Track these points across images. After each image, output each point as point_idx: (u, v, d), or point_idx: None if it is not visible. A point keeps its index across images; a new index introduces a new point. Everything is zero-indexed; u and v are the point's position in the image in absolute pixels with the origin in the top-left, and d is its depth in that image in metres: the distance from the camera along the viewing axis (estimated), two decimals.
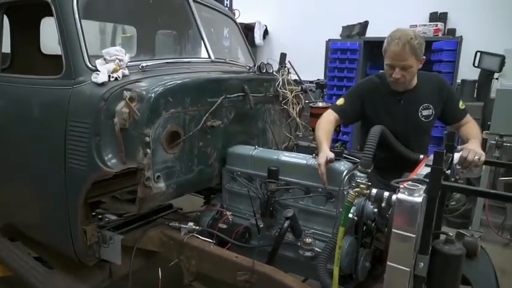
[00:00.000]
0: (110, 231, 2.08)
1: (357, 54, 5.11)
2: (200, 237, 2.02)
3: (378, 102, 2.28)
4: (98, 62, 1.90)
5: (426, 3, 4.98)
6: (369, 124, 2.08)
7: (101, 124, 1.75)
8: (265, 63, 2.51)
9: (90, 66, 1.90)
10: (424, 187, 1.35)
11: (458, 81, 4.40)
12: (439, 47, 4.44)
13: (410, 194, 1.32)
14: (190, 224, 2.06)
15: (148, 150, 1.74)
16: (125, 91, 1.76)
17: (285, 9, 6.37)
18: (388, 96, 2.26)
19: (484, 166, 2.03)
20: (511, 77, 3.80)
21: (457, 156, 1.84)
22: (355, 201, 1.59)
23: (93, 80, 1.84)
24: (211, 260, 1.94)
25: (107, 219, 2.25)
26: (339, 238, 1.49)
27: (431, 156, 1.84)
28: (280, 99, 2.59)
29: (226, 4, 5.95)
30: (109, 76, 1.85)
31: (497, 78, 3.94)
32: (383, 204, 1.43)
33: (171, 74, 2.03)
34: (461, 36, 4.43)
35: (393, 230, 1.35)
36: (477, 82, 4.27)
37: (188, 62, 2.39)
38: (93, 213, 2.23)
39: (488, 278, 1.82)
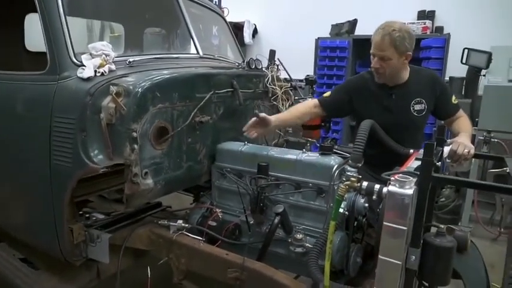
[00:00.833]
0: (98, 230, 2.03)
1: (346, 52, 5.13)
2: (190, 235, 1.99)
3: (369, 97, 2.27)
4: (84, 57, 1.86)
5: (414, 2, 5.02)
6: (361, 120, 2.05)
7: (87, 119, 1.72)
8: (254, 59, 2.49)
9: (75, 61, 1.86)
10: (414, 179, 1.34)
11: (447, 78, 4.43)
12: (427, 44, 4.48)
13: (401, 186, 1.30)
14: (180, 221, 2.02)
15: (135, 146, 1.71)
16: (111, 86, 1.72)
17: (274, 8, 6.36)
18: (380, 91, 2.25)
19: (473, 160, 2.03)
20: (498, 73, 3.84)
21: (446, 149, 1.84)
22: (346, 195, 1.58)
23: (78, 75, 1.81)
24: (201, 257, 1.91)
25: (94, 218, 2.21)
26: (330, 232, 1.47)
27: (421, 151, 1.86)
28: (270, 95, 2.57)
29: (215, 2, 5.92)
30: (95, 71, 1.81)
31: (484, 75, 3.97)
32: (374, 197, 1.42)
33: (159, 69, 2.00)
34: (449, 33, 4.48)
35: (384, 223, 1.34)
36: (465, 79, 4.31)
37: (176, 57, 2.36)
38: (80, 212, 2.19)
39: (478, 272, 1.81)
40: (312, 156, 1.95)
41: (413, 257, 1.38)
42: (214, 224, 2.06)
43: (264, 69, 2.58)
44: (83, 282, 2.07)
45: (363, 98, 2.28)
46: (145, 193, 1.83)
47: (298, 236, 1.85)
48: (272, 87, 2.54)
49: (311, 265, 1.57)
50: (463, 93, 4.34)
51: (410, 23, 4.70)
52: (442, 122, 2.40)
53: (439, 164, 1.65)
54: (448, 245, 1.40)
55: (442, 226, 1.44)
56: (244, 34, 6.37)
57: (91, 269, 2.10)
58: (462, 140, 1.94)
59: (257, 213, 1.95)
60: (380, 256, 1.36)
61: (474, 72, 4.07)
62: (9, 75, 2.11)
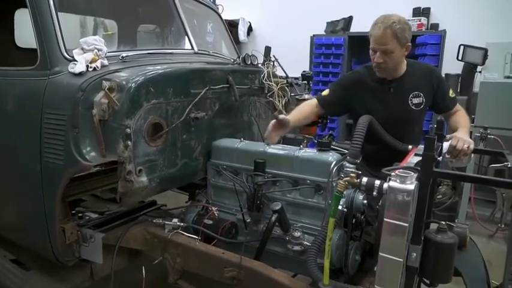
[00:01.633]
0: (91, 229, 1.99)
1: (342, 49, 5.11)
2: (185, 234, 1.95)
3: (366, 92, 2.25)
4: (75, 52, 1.83)
5: None
6: (359, 116, 2.02)
7: (79, 116, 1.68)
8: (250, 54, 2.45)
9: (66, 56, 1.82)
10: (415, 175, 1.31)
11: (443, 75, 4.42)
12: (423, 41, 4.46)
13: (402, 181, 1.28)
14: (175, 220, 1.99)
15: (129, 143, 1.67)
16: (103, 81, 1.69)
17: (269, 6, 6.33)
18: (377, 85, 2.23)
19: (472, 156, 2.01)
20: (493, 70, 3.85)
21: (446, 145, 1.82)
22: (344, 192, 1.54)
23: (70, 70, 1.77)
24: (197, 257, 1.88)
25: (87, 217, 2.17)
26: (329, 230, 1.44)
27: (420, 146, 1.84)
28: (266, 91, 2.54)
29: None
30: (87, 66, 1.78)
31: (480, 72, 3.97)
32: (374, 193, 1.39)
33: (153, 64, 1.96)
34: (444, 30, 4.47)
35: (385, 219, 1.31)
36: (461, 76, 4.30)
37: (171, 53, 2.32)
38: (73, 212, 2.15)
39: (478, 269, 1.80)
40: (309, 152, 1.91)
41: (414, 254, 1.35)
42: (210, 222, 2.02)
43: (259, 65, 2.54)
44: (75, 283, 2.03)
45: (360, 93, 2.26)
46: (139, 191, 1.79)
47: (296, 234, 1.82)
48: (268, 84, 2.51)
49: (310, 263, 1.54)
50: (458, 90, 4.34)
51: None
52: (439, 116, 2.39)
53: (439, 158, 1.63)
54: (450, 241, 1.38)
55: (443, 222, 1.41)
56: (239, 32, 6.33)
57: (84, 270, 2.06)
58: (461, 135, 1.92)
59: (254, 211, 1.91)
60: (380, 253, 1.33)
61: (470, 69, 4.08)
62: None
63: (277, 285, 1.66)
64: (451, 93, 2.26)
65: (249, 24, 6.51)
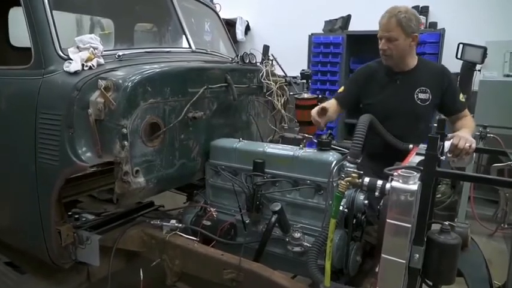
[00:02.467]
0: (87, 231, 1.97)
1: (340, 48, 5.09)
2: (183, 235, 1.93)
3: (375, 84, 2.32)
4: (71, 50, 1.80)
5: None
6: (364, 107, 2.30)
7: (74, 115, 1.65)
8: (248, 53, 2.43)
9: (61, 54, 1.80)
10: (418, 174, 1.29)
11: None
12: (422, 39, 4.43)
13: (405, 181, 1.25)
14: (173, 221, 1.96)
15: (125, 143, 1.64)
16: (99, 80, 1.65)
17: (266, 5, 6.30)
18: (385, 77, 2.30)
19: (474, 155, 2.00)
20: (493, 68, 3.83)
21: (447, 144, 1.80)
22: (345, 192, 1.52)
23: (65, 69, 1.74)
24: (195, 258, 1.85)
25: (83, 219, 2.14)
26: (330, 230, 1.42)
27: (421, 145, 1.82)
28: (264, 90, 2.51)
29: None
30: (82, 65, 1.75)
31: (479, 70, 3.96)
32: (376, 194, 1.36)
33: (150, 63, 1.93)
34: (443, 28, 4.45)
35: (388, 220, 1.28)
36: (460, 74, 4.28)
37: (168, 51, 2.29)
38: (69, 213, 2.12)
39: (480, 269, 1.78)
40: (309, 152, 1.89)
41: (417, 255, 1.33)
42: (208, 223, 1.99)
43: (258, 63, 2.52)
44: (72, 285, 2.01)
45: (370, 85, 2.33)
46: (136, 192, 1.76)
47: (296, 235, 1.80)
48: (267, 82, 2.48)
49: (311, 265, 1.51)
50: None
51: None
52: (438, 115, 2.41)
53: (442, 158, 1.61)
54: (453, 242, 1.35)
55: (447, 223, 1.39)
56: (237, 31, 6.30)
57: (81, 272, 2.03)
58: (463, 134, 1.90)
59: (253, 211, 1.90)
60: (383, 255, 1.31)
61: (469, 68, 4.05)
62: None
63: (277, 287, 1.64)
64: (462, 97, 2.28)
65: (246, 23, 6.47)
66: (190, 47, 2.41)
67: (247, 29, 6.52)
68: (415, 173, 1.28)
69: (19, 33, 2.98)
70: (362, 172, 1.44)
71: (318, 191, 1.83)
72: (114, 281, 1.96)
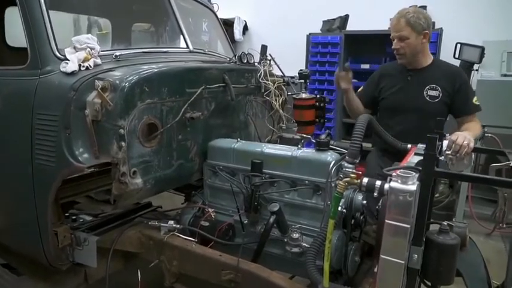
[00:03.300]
0: (85, 232, 1.96)
1: (338, 48, 5.08)
2: (181, 236, 1.92)
3: (388, 80, 2.43)
4: (67, 51, 1.78)
5: None
6: (378, 102, 2.45)
7: (71, 116, 1.63)
8: (246, 53, 2.42)
9: (58, 55, 1.78)
10: (417, 175, 1.29)
11: None
12: None
13: (404, 182, 1.25)
14: (171, 222, 1.95)
15: (123, 144, 1.63)
16: (96, 80, 1.64)
17: (264, 4, 6.28)
18: (397, 73, 2.42)
19: (473, 156, 2.00)
20: (490, 68, 3.83)
21: (446, 143, 1.79)
22: (344, 193, 1.51)
23: (61, 69, 1.73)
24: (193, 259, 1.85)
25: (81, 220, 2.13)
26: (328, 231, 1.41)
27: (420, 145, 1.81)
28: (262, 90, 2.50)
29: None
30: (79, 65, 1.74)
31: (477, 70, 3.96)
32: (375, 194, 1.35)
33: (147, 63, 1.92)
34: (441, 28, 4.45)
35: (386, 221, 1.28)
36: None
37: (165, 51, 2.28)
38: (67, 214, 2.11)
39: (478, 269, 1.78)
40: (307, 152, 1.88)
41: (416, 255, 1.32)
42: (206, 224, 1.98)
43: (256, 63, 2.51)
44: (69, 287, 1.99)
45: (384, 82, 2.44)
46: (134, 193, 1.75)
47: (294, 235, 1.79)
48: (265, 82, 2.47)
49: (309, 265, 1.51)
50: None
51: None
52: (456, 120, 2.43)
53: (441, 158, 1.60)
54: (452, 242, 1.35)
55: (445, 223, 1.39)
56: (235, 31, 6.28)
57: (78, 274, 2.02)
58: (461, 132, 1.91)
59: (251, 212, 1.89)
60: (382, 255, 1.30)
61: (467, 67, 4.05)
62: None
63: (275, 287, 1.63)
64: (475, 101, 2.34)
65: (244, 23, 6.46)
66: (187, 47, 2.40)
67: (245, 28, 6.51)
68: (414, 173, 1.27)
69: (16, 33, 2.97)
70: (360, 172, 1.43)
71: (316, 192, 1.82)
72: (111, 283, 1.94)
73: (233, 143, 2.06)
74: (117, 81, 1.63)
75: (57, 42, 1.81)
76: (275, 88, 2.54)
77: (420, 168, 1.33)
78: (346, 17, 5.23)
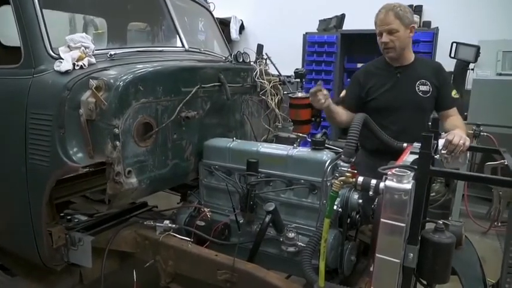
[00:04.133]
0: (80, 232, 1.94)
1: (334, 47, 5.09)
2: (177, 235, 1.91)
3: (375, 80, 2.37)
4: (61, 50, 1.77)
5: None
6: (366, 104, 2.35)
7: (65, 115, 1.62)
8: (242, 52, 2.41)
9: (52, 54, 1.77)
10: (412, 173, 1.28)
11: None
12: (416, 38, 4.44)
13: (399, 180, 1.25)
14: (166, 222, 1.94)
15: (117, 143, 1.62)
16: (90, 79, 1.63)
17: (261, 4, 6.29)
18: (385, 72, 2.37)
19: (468, 155, 2.00)
20: (486, 67, 3.85)
21: (441, 142, 1.79)
22: (339, 192, 1.51)
23: (55, 68, 1.72)
24: (189, 259, 1.84)
25: (76, 220, 2.12)
26: (324, 230, 1.41)
27: (415, 144, 1.81)
28: (258, 89, 2.50)
29: None
30: (73, 64, 1.72)
31: (472, 69, 3.98)
32: (370, 193, 1.35)
33: (142, 62, 1.91)
34: (437, 27, 4.47)
35: (382, 219, 1.28)
36: (453, 73, 4.30)
37: (161, 50, 2.27)
38: (62, 214, 2.09)
39: (474, 267, 1.79)
40: (303, 151, 1.88)
41: (412, 254, 1.32)
42: (202, 224, 1.98)
43: (252, 63, 2.50)
44: (64, 287, 1.97)
45: (371, 82, 2.38)
46: (129, 193, 1.74)
47: (290, 234, 1.79)
48: (260, 82, 2.46)
49: (305, 265, 1.50)
50: None
51: None
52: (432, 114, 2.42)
53: (437, 157, 1.60)
54: (448, 241, 1.35)
55: (441, 222, 1.39)
56: (231, 30, 6.28)
57: (73, 274, 2.01)
58: (457, 131, 1.91)
59: (247, 211, 1.88)
60: (377, 254, 1.30)
61: (462, 66, 4.08)
62: None
63: (271, 287, 1.63)
64: (454, 94, 2.35)
65: (241, 22, 6.46)
66: (183, 46, 2.39)
67: (242, 28, 6.51)
68: (409, 172, 1.27)
69: (9, 32, 2.95)
70: (356, 171, 1.43)
71: (312, 191, 1.82)
72: (107, 283, 1.94)
73: (229, 143, 2.06)
74: (112, 81, 1.62)
75: (53, 41, 1.80)
76: (271, 87, 2.53)
77: (415, 166, 1.32)
78: (343, 16, 5.24)
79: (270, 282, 1.63)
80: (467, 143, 1.83)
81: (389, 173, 1.28)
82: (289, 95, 2.61)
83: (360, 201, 1.72)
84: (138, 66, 1.80)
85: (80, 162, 1.62)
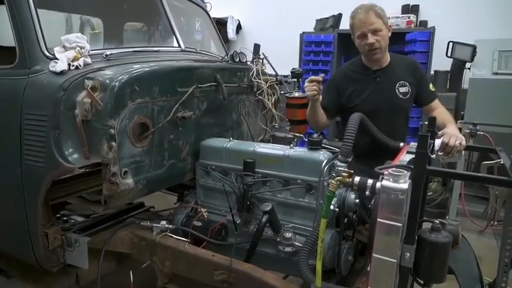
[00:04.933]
0: (76, 233, 1.93)
1: (331, 47, 5.09)
2: (174, 236, 1.91)
3: (354, 86, 2.32)
4: (57, 50, 1.76)
5: None
6: (348, 110, 2.19)
7: (60, 116, 1.61)
8: (238, 52, 2.41)
9: (47, 54, 1.76)
10: (408, 173, 1.28)
11: (432, 72, 4.44)
12: (412, 38, 4.47)
13: (396, 180, 1.25)
14: (163, 222, 1.93)
15: (113, 144, 1.61)
16: (86, 80, 1.62)
17: (258, 3, 6.28)
18: (364, 76, 2.31)
19: (463, 151, 2.00)
20: (482, 66, 3.85)
21: (438, 142, 1.80)
22: (336, 192, 1.51)
23: (51, 68, 1.71)
24: (186, 260, 1.83)
25: (72, 221, 2.11)
26: (321, 230, 1.40)
27: (412, 144, 1.81)
28: (255, 89, 2.49)
29: None
30: (69, 64, 1.71)
31: (469, 68, 3.99)
32: (367, 193, 1.35)
33: (138, 62, 1.90)
34: (433, 27, 4.47)
35: (378, 219, 1.28)
36: (449, 72, 4.31)
37: (157, 50, 2.26)
38: (58, 215, 2.08)
39: (470, 266, 1.79)
40: (300, 151, 1.88)
41: (408, 254, 1.32)
42: (199, 224, 1.97)
43: (248, 62, 2.50)
44: None
45: (350, 88, 2.32)
46: (125, 193, 1.73)
47: (287, 234, 1.78)
48: (257, 81, 2.46)
49: (302, 265, 1.50)
50: (447, 86, 4.35)
51: (394, 17, 4.70)
52: (421, 108, 2.45)
53: (433, 156, 1.60)
54: (444, 240, 1.35)
55: (437, 221, 1.39)
56: (228, 30, 6.27)
57: (69, 275, 2.00)
58: (452, 131, 1.92)
59: (244, 212, 1.88)
60: (374, 254, 1.30)
61: (459, 66, 4.08)
62: None
63: (268, 287, 1.62)
64: (431, 87, 2.35)
65: (237, 22, 6.45)
66: (179, 46, 2.39)
67: (239, 28, 6.50)
68: (406, 172, 1.27)
69: (4, 32, 2.93)
70: (353, 171, 1.43)
71: (309, 191, 1.82)
72: (103, 284, 1.92)
73: (225, 143, 2.05)
74: (107, 81, 1.61)
75: (49, 42, 1.78)
76: (268, 87, 2.53)
77: (412, 166, 1.32)
78: (340, 16, 5.24)
79: (267, 283, 1.63)
80: (464, 142, 1.84)
81: (385, 172, 1.28)
82: (286, 94, 2.62)
83: (357, 201, 1.72)
84: (134, 66, 1.79)
85: (75, 163, 1.61)
